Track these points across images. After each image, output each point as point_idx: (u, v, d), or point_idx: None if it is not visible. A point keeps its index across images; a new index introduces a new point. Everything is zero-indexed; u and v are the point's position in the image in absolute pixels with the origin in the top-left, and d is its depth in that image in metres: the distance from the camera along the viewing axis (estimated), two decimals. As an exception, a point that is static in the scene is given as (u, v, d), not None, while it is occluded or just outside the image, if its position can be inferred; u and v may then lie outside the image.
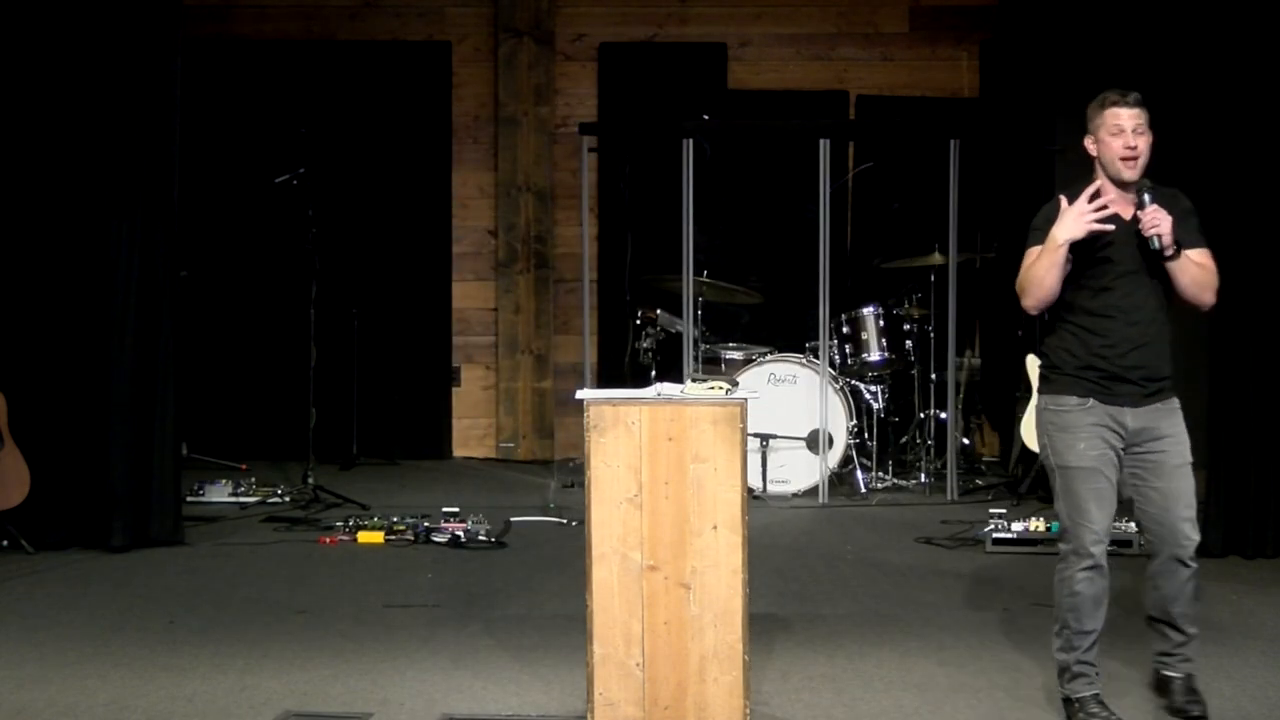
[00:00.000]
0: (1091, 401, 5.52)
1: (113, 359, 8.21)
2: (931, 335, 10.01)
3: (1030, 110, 10.19)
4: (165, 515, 8.33)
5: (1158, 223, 5.37)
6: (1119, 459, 5.57)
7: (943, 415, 10.04)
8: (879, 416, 9.99)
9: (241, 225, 11.06)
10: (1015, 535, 8.19)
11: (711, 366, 9.96)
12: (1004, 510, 8.53)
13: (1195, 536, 5.55)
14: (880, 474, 9.97)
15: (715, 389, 5.42)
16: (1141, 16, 9.68)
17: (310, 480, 9.55)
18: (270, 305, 10.97)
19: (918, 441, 10.21)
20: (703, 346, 10.03)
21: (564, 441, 11.18)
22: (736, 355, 10.06)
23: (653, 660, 5.23)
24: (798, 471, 9.74)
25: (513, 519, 8.89)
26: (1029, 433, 9.48)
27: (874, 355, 10.06)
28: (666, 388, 5.40)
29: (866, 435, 9.97)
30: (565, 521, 8.89)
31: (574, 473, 10.07)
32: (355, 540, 8.40)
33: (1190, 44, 9.20)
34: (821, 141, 9.75)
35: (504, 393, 11.30)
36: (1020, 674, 6.09)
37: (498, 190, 11.27)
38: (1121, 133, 5.42)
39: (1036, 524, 8.24)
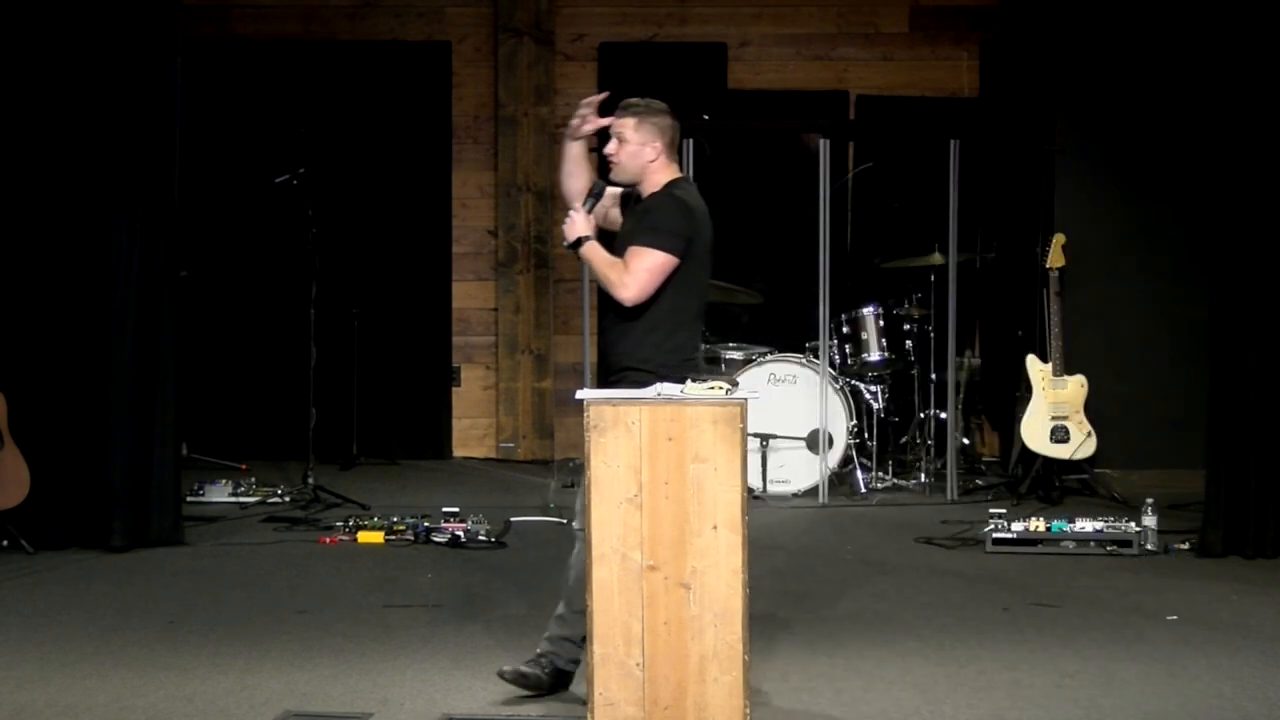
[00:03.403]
0: None
1: (112, 358, 8.20)
2: (931, 335, 10.01)
3: (1030, 110, 10.20)
4: (165, 515, 8.33)
5: (566, 220, 5.80)
6: None
7: (943, 415, 10.04)
8: (879, 416, 9.99)
9: (241, 225, 11.05)
10: (1015, 535, 8.19)
11: (711, 366, 9.96)
12: (1004, 510, 8.53)
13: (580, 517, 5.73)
14: (880, 474, 9.97)
15: (715, 389, 5.41)
16: (1141, 16, 9.71)
17: (310, 480, 9.54)
18: (270, 305, 10.96)
19: (918, 441, 10.21)
20: (703, 346, 10.01)
21: (564, 441, 11.18)
22: (736, 355, 10.06)
23: (653, 660, 5.23)
24: (798, 471, 9.74)
25: (513, 519, 8.89)
26: (1029, 433, 9.51)
27: (874, 355, 10.06)
28: (666, 388, 5.40)
29: (866, 435, 9.97)
30: (565, 521, 8.89)
31: (574, 473, 10.07)
32: (355, 540, 8.40)
33: (1191, 43, 9.22)
34: (821, 141, 9.75)
35: (504, 393, 11.30)
36: (1020, 674, 6.09)
37: (498, 190, 11.27)
38: (610, 139, 5.86)
39: (1036, 524, 8.24)
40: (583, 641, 5.77)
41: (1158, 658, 6.31)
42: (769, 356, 9.92)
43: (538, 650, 5.84)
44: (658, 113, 5.88)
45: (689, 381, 5.39)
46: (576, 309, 10.84)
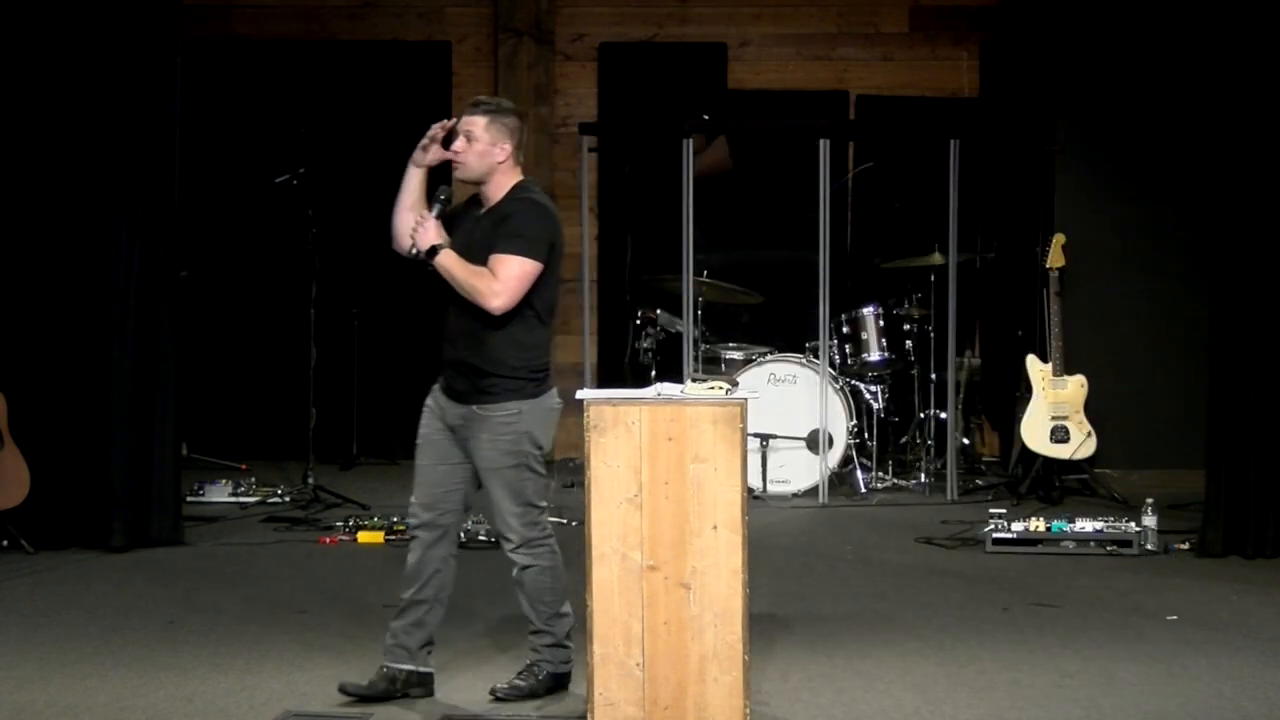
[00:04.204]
0: (436, 386, 5.85)
1: (113, 359, 8.20)
2: (931, 335, 10.00)
3: (1030, 110, 10.20)
4: (165, 515, 8.33)
5: (415, 227, 5.64)
6: (455, 444, 5.83)
7: (943, 415, 10.03)
8: (879, 416, 9.99)
9: (241, 225, 11.05)
10: (1015, 535, 8.19)
11: (711, 366, 9.96)
12: (1004, 510, 8.53)
13: (511, 537, 5.72)
14: (880, 474, 9.97)
15: (715, 389, 5.42)
16: (1141, 16, 9.71)
17: (310, 480, 9.54)
18: (270, 305, 10.96)
19: (918, 441, 10.21)
20: (703, 346, 10.02)
21: (564, 441, 11.13)
22: (736, 355, 10.05)
23: (653, 660, 5.24)
24: (798, 471, 9.74)
25: (513, 519, 8.88)
26: (1029, 433, 9.51)
27: (874, 355, 10.06)
28: (666, 388, 5.40)
29: (866, 435, 9.97)
30: (565, 521, 8.89)
31: (574, 473, 10.07)
32: (355, 540, 8.40)
33: (1191, 43, 9.22)
34: (821, 141, 9.74)
35: (504, 393, 11.28)
36: (1020, 674, 6.09)
37: (498, 190, 11.25)
38: (458, 138, 5.72)
39: (1036, 524, 8.24)
40: (568, 638, 5.78)
41: (1158, 658, 6.31)
42: (769, 356, 9.92)
43: (528, 660, 5.84)
44: (508, 113, 5.74)
45: (689, 381, 5.39)
46: (576, 309, 10.83)
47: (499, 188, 5.72)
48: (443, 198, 5.73)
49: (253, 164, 10.65)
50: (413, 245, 5.66)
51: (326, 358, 9.91)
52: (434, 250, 5.61)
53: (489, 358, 5.65)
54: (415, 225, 5.66)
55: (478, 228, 5.71)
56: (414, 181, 5.78)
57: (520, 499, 5.69)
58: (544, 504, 5.79)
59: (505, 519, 5.72)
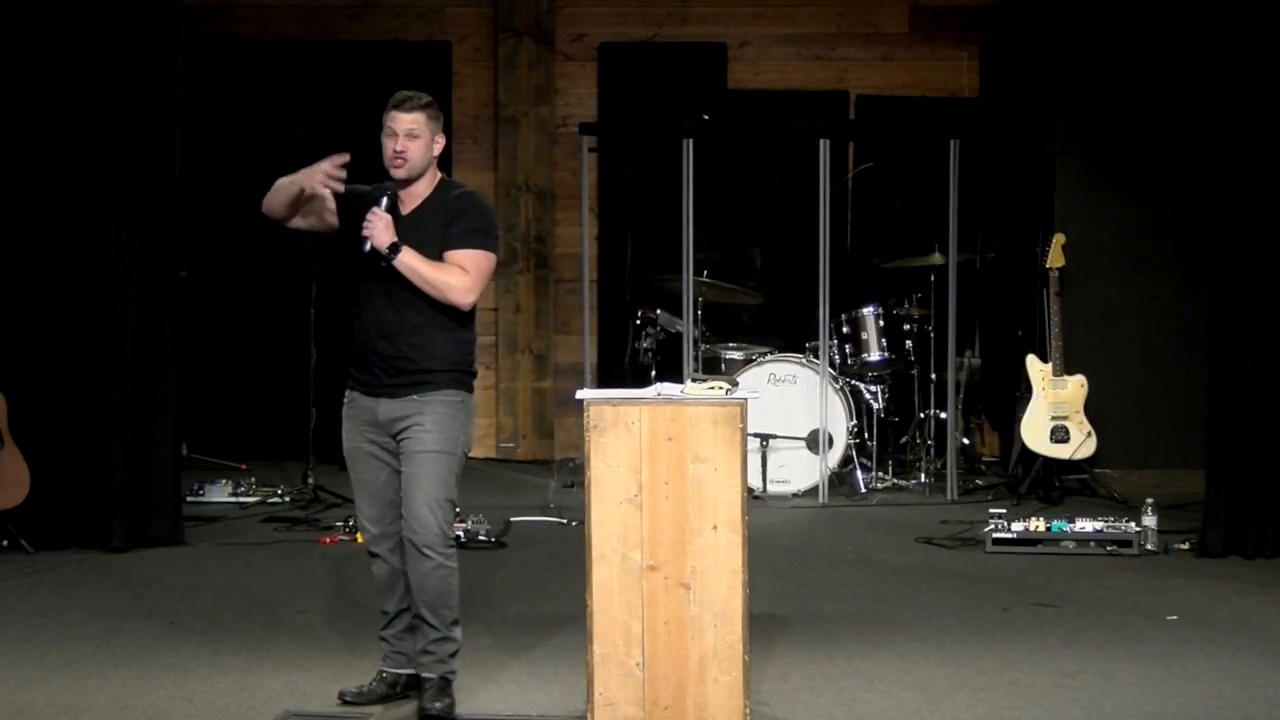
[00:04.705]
0: (354, 393, 5.74)
1: (113, 359, 8.20)
2: (931, 335, 10.00)
3: (1030, 110, 10.20)
4: (165, 515, 8.33)
5: (369, 225, 5.59)
6: (388, 448, 5.67)
7: (943, 415, 10.04)
8: (879, 416, 9.99)
9: (241, 225, 10.99)
10: (1015, 535, 8.20)
11: (711, 366, 9.96)
12: (1004, 510, 8.54)
13: (433, 529, 5.52)
14: (880, 474, 9.97)
15: (715, 389, 5.42)
16: (1141, 16, 9.71)
17: (310, 480, 9.55)
18: (270, 305, 10.96)
19: (918, 441, 10.21)
20: (703, 346, 10.02)
21: (564, 441, 11.18)
22: (736, 355, 10.06)
23: (653, 660, 5.24)
24: (798, 471, 9.74)
25: (513, 519, 8.89)
26: (1029, 433, 9.51)
27: (874, 355, 10.06)
28: (666, 388, 5.40)
29: (866, 435, 9.97)
30: (565, 521, 8.90)
31: (574, 473, 10.07)
32: (355, 540, 8.38)
33: (1191, 42, 9.22)
34: (821, 141, 9.75)
35: (504, 393, 11.30)
36: (1020, 674, 6.09)
37: (498, 190, 11.26)
38: (393, 136, 5.65)
39: (1036, 524, 8.24)
40: (457, 639, 5.65)
41: (1158, 658, 6.31)
42: (769, 356, 9.92)
43: (431, 676, 5.62)
44: (435, 105, 5.73)
45: (689, 381, 5.38)
46: (576, 309, 10.84)
47: (427, 183, 5.70)
48: (390, 193, 5.68)
49: (253, 164, 10.61)
50: (367, 242, 5.60)
51: (326, 358, 9.89)
52: (395, 248, 5.56)
53: (433, 354, 5.59)
54: (368, 222, 5.60)
55: (418, 224, 5.63)
56: (298, 194, 5.94)
57: (446, 490, 5.56)
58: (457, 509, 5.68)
59: (428, 510, 5.51)
